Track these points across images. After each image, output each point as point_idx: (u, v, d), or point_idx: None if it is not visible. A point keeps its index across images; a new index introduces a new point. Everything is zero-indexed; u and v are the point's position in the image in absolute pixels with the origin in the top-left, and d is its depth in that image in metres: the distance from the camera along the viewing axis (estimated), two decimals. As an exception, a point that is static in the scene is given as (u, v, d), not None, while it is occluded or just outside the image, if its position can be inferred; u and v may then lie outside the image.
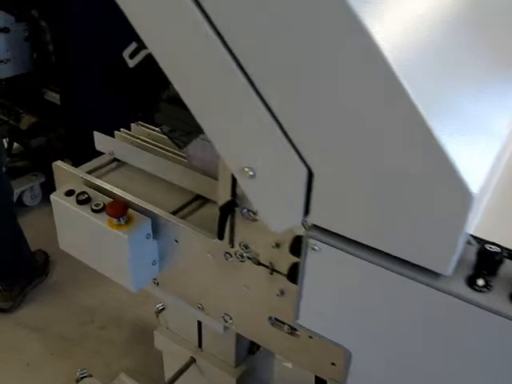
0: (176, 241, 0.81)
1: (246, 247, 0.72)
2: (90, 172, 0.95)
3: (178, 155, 0.97)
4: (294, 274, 0.64)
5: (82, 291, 1.86)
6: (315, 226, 0.52)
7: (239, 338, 1.04)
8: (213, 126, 0.52)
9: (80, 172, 0.91)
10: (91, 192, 0.84)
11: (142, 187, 0.93)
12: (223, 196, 0.70)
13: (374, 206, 0.46)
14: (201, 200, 0.90)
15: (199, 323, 1.09)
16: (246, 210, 0.69)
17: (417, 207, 0.44)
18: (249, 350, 1.14)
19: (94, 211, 0.81)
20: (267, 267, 0.72)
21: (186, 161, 0.95)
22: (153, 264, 0.85)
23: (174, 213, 0.86)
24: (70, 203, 0.83)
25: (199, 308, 0.85)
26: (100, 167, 0.97)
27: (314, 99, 0.45)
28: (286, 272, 0.70)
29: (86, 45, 1.83)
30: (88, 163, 0.99)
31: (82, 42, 1.82)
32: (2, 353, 1.63)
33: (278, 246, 0.69)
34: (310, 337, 0.73)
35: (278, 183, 0.52)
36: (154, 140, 1.02)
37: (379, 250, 0.49)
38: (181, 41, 0.48)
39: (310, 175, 0.49)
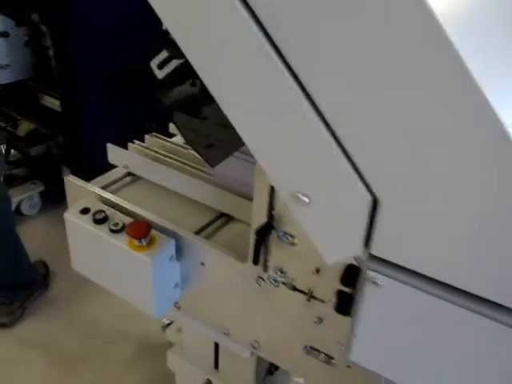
0: (202, 263, 0.76)
1: (282, 272, 0.67)
2: (104, 187, 0.90)
3: (197, 169, 0.92)
4: (342, 305, 0.59)
5: (85, 304, 1.79)
6: (375, 258, 0.47)
7: (260, 359, 0.99)
8: (263, 147, 0.47)
9: (94, 188, 0.85)
10: (108, 210, 0.79)
11: (160, 204, 0.87)
12: (258, 218, 0.65)
13: (454, 239, 0.42)
14: (224, 218, 0.85)
15: (216, 344, 1.04)
16: (283, 233, 0.64)
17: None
18: (268, 370, 1.09)
19: (113, 231, 0.76)
20: (305, 293, 0.67)
21: (206, 175, 0.90)
22: (175, 287, 0.79)
23: (198, 232, 0.81)
24: (85, 222, 0.78)
25: (225, 334, 0.80)
26: (114, 182, 0.92)
27: (388, 119, 0.40)
28: (326, 299, 0.65)
29: (86, 50, 1.77)
30: (100, 177, 0.93)
31: (83, 46, 1.77)
32: (2, 370, 1.56)
33: (318, 271, 0.64)
34: (348, 366, 0.68)
35: (337, 211, 0.47)
36: (170, 152, 0.97)
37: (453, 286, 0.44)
38: (234, 54, 0.43)
39: (375, 203, 0.44)
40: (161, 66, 0.60)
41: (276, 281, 0.69)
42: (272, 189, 0.62)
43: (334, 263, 0.50)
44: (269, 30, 0.40)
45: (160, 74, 0.61)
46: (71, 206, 0.82)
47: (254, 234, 0.64)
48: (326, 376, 0.71)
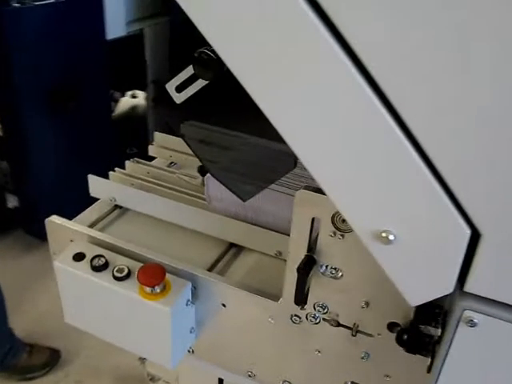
0: (223, 305, 0.68)
1: (323, 308, 0.61)
2: (91, 225, 0.79)
3: (194, 196, 0.84)
4: (415, 344, 0.54)
5: (53, 341, 1.64)
6: (469, 295, 0.42)
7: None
8: (345, 186, 0.41)
9: (84, 228, 0.75)
10: (107, 254, 0.69)
11: (158, 239, 0.79)
12: (296, 253, 0.58)
13: None
14: (233, 248, 0.78)
15: (220, 380, 0.96)
16: (325, 267, 0.58)
17: None
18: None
19: (117, 279, 0.66)
20: (349, 328, 0.61)
21: (205, 202, 0.82)
22: (190, 332, 0.71)
23: (210, 269, 0.73)
24: (82, 271, 0.67)
25: (249, 376, 0.72)
26: (101, 218, 0.82)
27: (500, 146, 0.35)
28: (374, 333, 0.60)
29: (25, 64, 1.62)
30: (83, 214, 0.83)
31: (21, 61, 1.62)
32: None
33: (367, 305, 0.58)
34: (399, 400, 0.63)
35: (429, 248, 0.41)
36: (157, 179, 0.88)
37: None
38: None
39: (474, 236, 0.39)
40: (181, 89, 0.52)
41: (316, 317, 0.62)
42: (313, 221, 0.56)
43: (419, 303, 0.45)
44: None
45: (179, 98, 0.53)
46: (61, 252, 0.71)
47: (296, 272, 0.58)
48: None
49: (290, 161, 0.53)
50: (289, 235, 0.74)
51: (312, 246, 0.58)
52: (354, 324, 0.61)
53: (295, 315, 0.64)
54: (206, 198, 0.80)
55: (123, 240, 0.72)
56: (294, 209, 0.56)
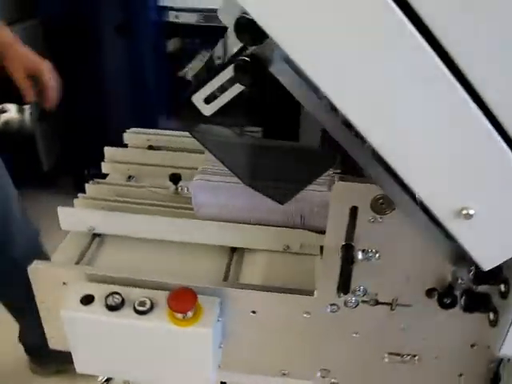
0: (254, 312, 0.66)
1: (363, 291, 0.62)
2: (77, 262, 0.72)
3: (175, 207, 0.79)
4: (473, 304, 0.57)
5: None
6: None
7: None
8: (421, 164, 0.42)
9: (78, 267, 0.67)
10: (117, 289, 0.63)
11: (156, 261, 0.73)
12: (334, 243, 0.58)
13: None
14: (236, 253, 0.75)
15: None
16: (364, 251, 0.59)
17: None
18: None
19: (142, 313, 0.61)
20: (388, 304, 0.63)
21: (189, 211, 0.78)
22: (219, 347, 0.68)
23: (225, 279, 0.70)
24: (97, 314, 0.61)
25: (283, 375, 0.72)
26: (84, 252, 0.74)
27: None
28: (412, 302, 0.62)
29: None
30: (63, 251, 0.74)
31: None
32: None
33: (407, 279, 0.61)
34: (436, 357, 0.67)
35: (504, 216, 0.44)
36: (127, 196, 0.81)
37: None
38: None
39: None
40: (210, 100, 0.48)
41: (354, 302, 0.64)
42: (354, 208, 0.56)
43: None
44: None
45: (208, 110, 0.48)
46: (64, 299, 0.63)
47: (341, 262, 0.58)
48: (409, 374, 0.70)
49: (329, 159, 0.53)
50: (287, 227, 0.75)
51: (350, 235, 0.58)
52: (393, 299, 0.63)
53: (332, 304, 0.64)
54: (194, 207, 0.77)
55: (124, 270, 0.67)
56: (332, 201, 0.56)
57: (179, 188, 0.84)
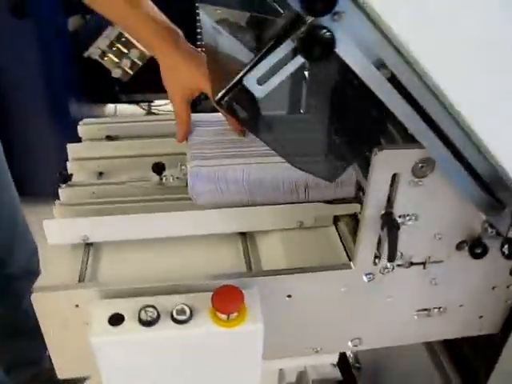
0: (289, 296, 0.63)
1: (400, 255, 0.62)
2: (81, 279, 0.63)
3: (169, 199, 0.73)
4: None
5: None
6: None
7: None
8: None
9: (90, 285, 0.59)
10: (144, 301, 0.57)
11: (167, 262, 0.67)
12: (374, 212, 0.57)
13: None
14: (247, 237, 0.71)
15: None
16: (402, 216, 0.58)
17: None
18: None
19: (183, 322, 0.55)
20: (422, 263, 0.64)
21: (185, 202, 0.72)
22: (256, 339, 0.65)
23: (250, 267, 0.66)
24: (133, 333, 0.55)
25: (316, 352, 0.71)
26: (84, 266, 0.65)
27: None
28: (444, 258, 0.64)
29: None
30: (55, 267, 0.65)
31: None
32: None
33: (440, 237, 0.61)
34: (461, 305, 0.70)
35: None
36: (109, 196, 0.73)
37: None
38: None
39: None
40: (263, 80, 0.43)
41: (389, 267, 0.63)
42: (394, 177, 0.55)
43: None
44: None
45: (262, 91, 0.43)
46: (90, 324, 0.55)
47: (387, 230, 0.57)
48: (434, 326, 0.72)
49: (376, 133, 0.50)
50: (293, 203, 0.72)
51: (390, 202, 0.57)
52: (426, 258, 0.63)
53: (368, 274, 0.63)
54: (193, 196, 0.71)
55: (140, 278, 0.60)
56: (374, 170, 0.54)
57: (163, 178, 0.77)
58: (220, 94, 0.43)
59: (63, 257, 0.67)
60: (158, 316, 0.55)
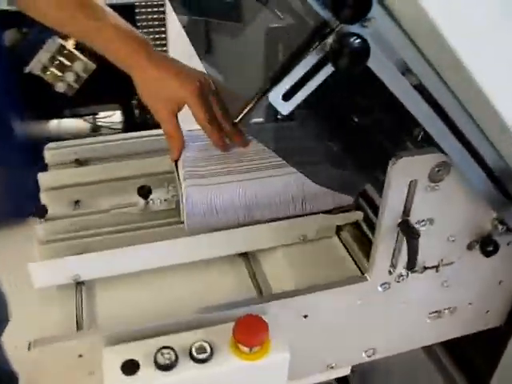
0: (305, 316, 0.60)
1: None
2: (78, 325, 0.57)
3: (159, 225, 0.68)
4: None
5: None
6: None
7: None
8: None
9: (92, 332, 0.53)
10: (166, 342, 0.52)
11: (170, 295, 0.62)
12: (391, 220, 0.55)
13: None
14: (248, 257, 0.67)
15: None
16: (419, 222, 0.57)
17: None
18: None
19: (204, 361, 0.51)
20: (435, 267, 0.62)
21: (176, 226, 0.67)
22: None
23: (260, 290, 0.63)
24: (154, 380, 0.49)
25: (331, 368, 0.68)
26: (80, 309, 0.59)
27: None
28: (455, 259, 0.63)
29: None
30: (46, 313, 0.58)
31: None
32: None
33: (453, 239, 0.60)
34: (470, 303, 0.69)
35: None
36: (97, 228, 0.67)
37: None
38: None
39: None
40: (288, 96, 0.39)
41: (404, 274, 0.61)
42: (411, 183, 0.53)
43: None
44: None
45: (287, 108, 0.39)
46: (105, 376, 0.50)
47: (409, 242, 0.55)
48: (449, 325, 0.71)
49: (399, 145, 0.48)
50: (292, 217, 0.69)
51: (407, 210, 0.55)
52: (439, 261, 0.62)
53: (383, 284, 0.61)
54: (186, 218, 0.66)
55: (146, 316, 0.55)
56: (391, 178, 0.52)
57: (150, 202, 0.72)
58: (241, 116, 0.39)
59: (52, 300, 0.60)
60: (176, 357, 0.51)
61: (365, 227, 0.69)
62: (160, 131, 0.73)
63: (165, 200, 0.72)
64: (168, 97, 0.67)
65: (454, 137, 0.49)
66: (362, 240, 0.68)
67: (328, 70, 0.39)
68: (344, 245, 0.69)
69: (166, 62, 0.69)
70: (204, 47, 0.61)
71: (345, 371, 0.73)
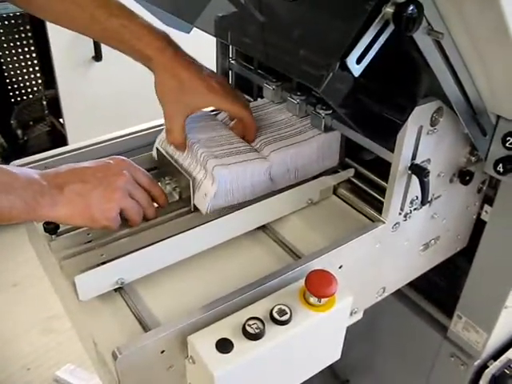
0: (340, 267, 0.66)
1: (417, 198, 0.69)
2: (144, 326, 0.56)
3: (181, 214, 0.68)
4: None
5: None
6: None
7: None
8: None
9: (169, 326, 0.53)
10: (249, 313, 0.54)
11: (211, 278, 0.64)
12: (403, 163, 0.63)
13: None
14: (262, 230, 0.71)
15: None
16: (422, 162, 0.66)
17: None
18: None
19: (286, 322, 0.54)
20: (429, 202, 0.72)
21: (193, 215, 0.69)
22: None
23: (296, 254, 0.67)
24: (251, 350, 0.51)
25: (353, 314, 0.75)
26: (135, 310, 0.58)
27: None
28: (442, 192, 0.73)
29: None
30: (113, 323, 0.56)
31: None
32: None
33: (443, 175, 0.70)
34: (448, 230, 0.81)
35: None
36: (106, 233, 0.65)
37: None
38: None
39: None
40: (361, 59, 0.43)
41: (410, 212, 0.70)
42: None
43: None
44: None
45: (358, 70, 0.44)
46: (203, 362, 0.50)
47: (421, 178, 0.63)
48: (433, 254, 0.81)
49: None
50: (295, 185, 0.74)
51: (415, 153, 0.64)
52: (432, 196, 0.72)
53: (395, 224, 0.69)
54: (209, 199, 0.67)
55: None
56: (409, 125, 0.59)
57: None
58: (326, 81, 0.43)
59: (102, 312, 0.58)
60: (263, 324, 0.53)
61: (356, 181, 0.77)
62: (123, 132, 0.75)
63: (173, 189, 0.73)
64: (191, 102, 0.67)
65: (455, 82, 0.58)
66: (359, 192, 0.76)
67: (386, 34, 0.45)
68: (343, 200, 0.76)
69: (190, 62, 0.68)
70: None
71: (358, 316, 0.80)
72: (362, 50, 0.44)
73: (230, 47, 0.91)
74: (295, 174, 0.75)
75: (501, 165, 0.67)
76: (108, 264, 0.58)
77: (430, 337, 0.95)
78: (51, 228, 0.62)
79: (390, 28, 0.45)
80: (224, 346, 0.51)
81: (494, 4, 0.47)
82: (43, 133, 2.06)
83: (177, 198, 0.72)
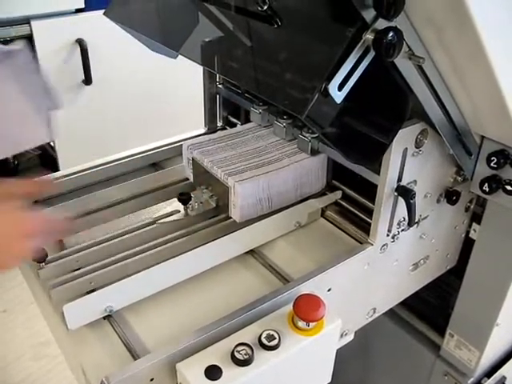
0: (329, 289, 0.66)
1: (404, 219, 0.70)
2: (133, 354, 0.56)
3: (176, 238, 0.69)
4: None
5: None
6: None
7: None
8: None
9: (161, 353, 0.53)
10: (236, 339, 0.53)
11: (204, 304, 0.63)
12: (389, 186, 0.63)
13: None
14: (250, 255, 0.71)
15: None
16: (407, 184, 0.66)
17: None
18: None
19: (274, 348, 0.54)
20: (416, 222, 0.72)
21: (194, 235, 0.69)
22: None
23: (285, 279, 0.67)
24: (240, 376, 0.51)
25: (344, 335, 0.75)
26: (122, 338, 0.57)
27: None
28: (430, 212, 0.74)
29: None
30: (91, 352, 0.56)
31: None
32: None
33: (430, 195, 0.71)
34: (437, 250, 0.81)
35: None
36: (104, 257, 0.65)
37: None
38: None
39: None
40: (343, 85, 0.44)
41: (397, 234, 0.70)
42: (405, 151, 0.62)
43: None
44: None
45: (340, 97, 0.44)
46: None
47: (407, 200, 0.64)
48: (423, 273, 0.82)
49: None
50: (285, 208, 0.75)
51: (400, 175, 0.64)
52: (419, 216, 0.73)
53: (383, 246, 0.70)
54: (237, 212, 0.69)
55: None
56: (394, 148, 0.60)
57: (189, 207, 0.73)
58: (308, 107, 0.44)
59: (90, 340, 0.58)
60: (252, 350, 0.53)
61: (344, 203, 0.77)
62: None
63: (201, 203, 0.76)
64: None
65: (439, 106, 0.59)
66: (347, 214, 0.76)
67: (367, 61, 0.46)
68: (331, 222, 0.76)
69: None
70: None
71: (349, 338, 0.80)
72: (344, 76, 0.45)
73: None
74: (296, 191, 0.76)
75: (486, 184, 0.68)
76: (96, 292, 0.58)
77: (423, 356, 0.95)
78: (40, 256, 0.62)
79: (371, 54, 0.46)
80: (213, 372, 0.51)
81: (471, 29, 0.48)
82: (34, 156, 2.06)
83: (213, 205, 0.74)
